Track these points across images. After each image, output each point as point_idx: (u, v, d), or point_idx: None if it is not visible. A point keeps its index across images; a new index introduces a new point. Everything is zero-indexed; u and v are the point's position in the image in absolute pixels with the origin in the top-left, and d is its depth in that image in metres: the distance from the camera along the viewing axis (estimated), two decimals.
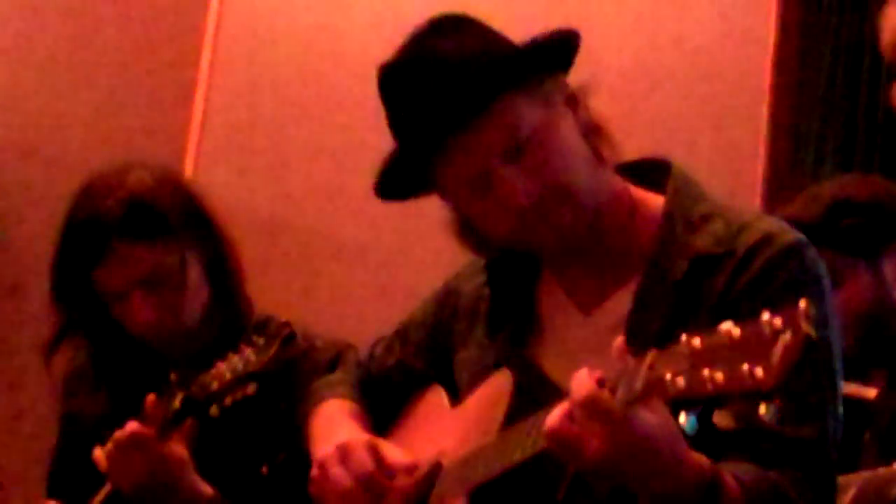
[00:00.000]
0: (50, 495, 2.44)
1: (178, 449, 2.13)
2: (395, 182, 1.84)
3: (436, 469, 1.81)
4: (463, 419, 1.84)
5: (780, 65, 3.81)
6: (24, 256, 3.71)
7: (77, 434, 2.39)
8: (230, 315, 2.30)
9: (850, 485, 2.23)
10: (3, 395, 3.68)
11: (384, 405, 2.03)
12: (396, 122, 1.78)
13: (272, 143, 3.79)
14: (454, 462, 1.78)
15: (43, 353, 2.36)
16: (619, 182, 1.80)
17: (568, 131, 1.74)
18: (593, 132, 1.78)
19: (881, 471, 2.33)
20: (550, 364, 1.78)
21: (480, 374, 1.82)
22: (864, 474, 2.30)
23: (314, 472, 1.84)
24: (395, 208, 3.69)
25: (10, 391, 3.68)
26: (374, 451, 1.81)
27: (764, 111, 3.58)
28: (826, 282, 1.73)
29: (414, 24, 1.80)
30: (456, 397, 1.91)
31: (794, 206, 2.57)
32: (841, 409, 1.68)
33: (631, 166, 1.85)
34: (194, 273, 2.28)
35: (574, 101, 1.77)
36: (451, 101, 1.69)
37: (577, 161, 1.73)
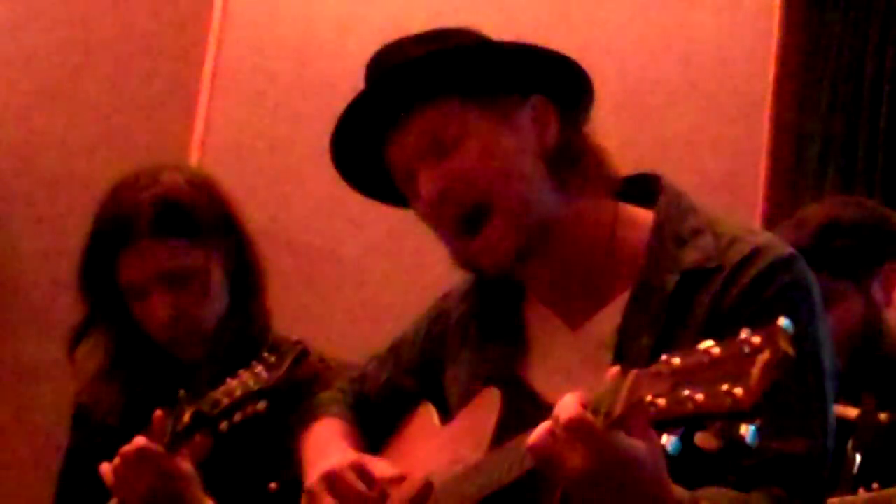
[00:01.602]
0: (59, 496, 2.46)
1: (185, 465, 2.13)
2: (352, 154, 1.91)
3: (427, 489, 1.82)
4: (452, 437, 1.85)
5: (783, 69, 3.80)
6: (25, 268, 3.72)
7: (87, 436, 2.41)
8: (246, 327, 2.31)
9: None
10: (4, 394, 3.70)
11: (377, 423, 2.04)
12: (361, 96, 1.83)
13: (271, 157, 3.80)
14: (445, 481, 1.78)
15: (68, 343, 2.38)
16: (596, 209, 1.79)
17: (509, 143, 1.75)
18: (563, 158, 1.77)
19: (883, 492, 2.32)
20: (539, 381, 1.79)
21: (469, 393, 1.83)
22: (865, 496, 2.29)
23: (303, 501, 1.85)
24: (393, 223, 3.73)
25: (11, 393, 3.70)
26: (361, 470, 1.83)
27: (766, 115, 3.57)
28: (816, 295, 1.71)
29: (417, 30, 1.83)
30: (447, 415, 1.92)
31: (782, 230, 2.58)
32: (832, 424, 1.67)
33: (625, 182, 1.84)
34: (216, 279, 2.29)
35: (543, 123, 1.77)
36: (386, 98, 1.77)
37: (508, 166, 1.73)
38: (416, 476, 1.85)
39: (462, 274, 1.98)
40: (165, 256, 2.23)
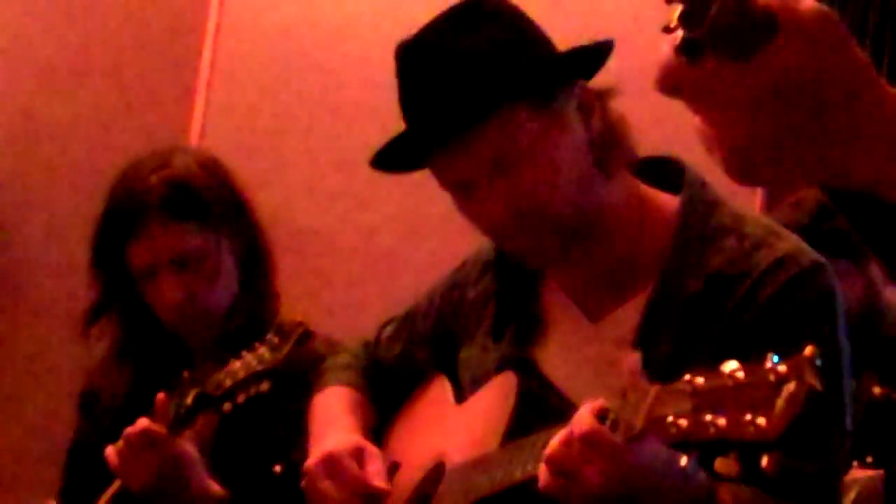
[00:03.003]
0: (66, 480, 2.46)
1: (189, 447, 2.12)
2: (395, 157, 1.80)
3: (438, 471, 1.82)
4: (466, 420, 1.84)
5: None
6: (26, 257, 3.70)
7: (93, 422, 2.40)
8: (256, 309, 2.29)
9: (853, 486, 2.24)
10: (4, 392, 3.68)
11: (390, 391, 2.03)
12: (405, 106, 1.75)
13: (272, 144, 3.77)
14: (456, 469, 1.78)
15: (81, 323, 2.36)
16: (627, 187, 1.75)
17: (566, 146, 1.69)
18: (606, 141, 1.72)
19: (876, 473, 2.34)
20: (555, 370, 1.77)
21: (482, 377, 1.82)
22: (865, 476, 2.31)
23: (303, 482, 1.85)
24: (395, 210, 3.70)
25: (12, 389, 3.68)
26: (361, 457, 1.83)
27: None
28: (840, 306, 1.69)
29: (414, 24, 1.78)
30: (460, 390, 1.90)
31: (780, 212, 2.56)
32: (849, 439, 1.66)
33: (643, 163, 1.80)
34: (226, 261, 2.28)
35: (588, 108, 1.72)
36: (454, 105, 1.66)
37: (568, 180, 1.68)
38: (428, 455, 1.85)
39: (465, 257, 1.98)
40: (176, 239, 2.21)
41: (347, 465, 1.82)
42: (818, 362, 1.22)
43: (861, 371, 2.55)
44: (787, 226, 2.42)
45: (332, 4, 3.82)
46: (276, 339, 2.05)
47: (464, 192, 1.71)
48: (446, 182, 1.73)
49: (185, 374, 2.11)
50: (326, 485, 1.81)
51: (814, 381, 1.21)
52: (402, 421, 2.01)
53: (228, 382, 2.04)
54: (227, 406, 2.04)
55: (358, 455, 1.84)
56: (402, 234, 3.66)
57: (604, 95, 1.75)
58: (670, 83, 0.92)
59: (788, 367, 1.22)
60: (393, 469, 1.90)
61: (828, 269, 1.70)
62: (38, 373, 3.57)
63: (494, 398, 1.77)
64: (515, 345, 1.81)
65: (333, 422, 1.96)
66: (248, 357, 2.05)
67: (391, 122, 4.13)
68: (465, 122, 1.66)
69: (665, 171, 1.80)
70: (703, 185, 1.77)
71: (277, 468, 2.16)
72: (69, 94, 3.74)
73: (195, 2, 3.82)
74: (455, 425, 1.86)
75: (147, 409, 2.11)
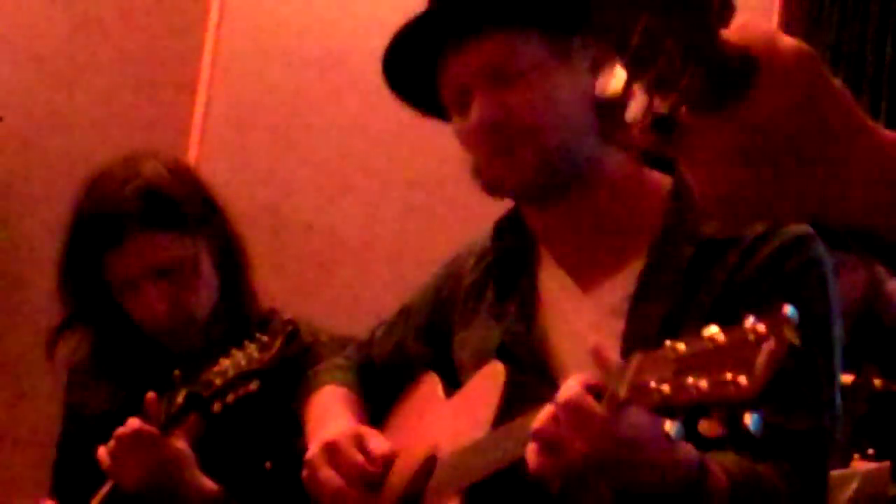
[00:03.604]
0: (55, 488, 2.45)
1: (181, 445, 2.13)
2: (403, 62, 1.84)
3: (430, 462, 1.83)
4: (455, 411, 1.86)
5: None
6: (27, 251, 3.71)
7: (80, 427, 2.39)
8: (237, 308, 2.30)
9: (851, 479, 2.24)
10: (6, 389, 3.68)
11: (382, 390, 2.04)
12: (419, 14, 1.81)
13: (274, 138, 3.79)
14: (447, 458, 1.79)
15: (46, 342, 2.35)
16: (626, 161, 1.79)
17: (566, 87, 1.74)
18: (612, 108, 1.75)
19: (882, 465, 2.34)
20: (551, 345, 1.79)
21: (483, 354, 1.83)
22: (864, 469, 2.31)
23: (304, 472, 1.85)
24: (397, 204, 3.72)
25: (13, 384, 3.68)
26: (360, 442, 1.84)
27: None
28: (831, 275, 1.72)
29: (416, 8, 1.81)
30: (453, 380, 1.91)
31: None
32: (839, 402, 1.68)
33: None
34: (206, 265, 2.28)
35: (598, 68, 1.76)
36: (459, 13, 1.73)
37: (560, 116, 1.72)
38: (419, 449, 1.86)
39: (469, 241, 2.00)
40: (157, 250, 2.21)
41: (348, 452, 1.83)
42: (796, 319, 1.22)
43: (861, 364, 2.57)
44: None
45: (332, 3, 3.85)
46: (265, 338, 2.06)
47: (461, 108, 1.76)
48: (449, 91, 1.78)
49: (177, 372, 2.11)
50: (328, 472, 1.82)
51: (793, 337, 1.21)
52: (393, 418, 2.02)
53: (218, 382, 2.04)
54: (216, 406, 2.05)
55: (357, 440, 1.85)
56: (404, 231, 3.67)
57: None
58: (651, 150, 0.92)
59: (767, 326, 1.23)
60: (386, 465, 1.90)
61: (817, 239, 1.73)
62: (38, 371, 3.56)
63: (482, 387, 1.78)
64: (513, 324, 1.83)
65: (330, 415, 1.97)
66: (238, 356, 2.05)
67: (392, 120, 4.16)
68: (482, 18, 1.72)
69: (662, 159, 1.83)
70: None
71: (268, 464, 2.16)
72: (71, 92, 3.77)
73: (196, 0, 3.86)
74: (445, 418, 1.88)
75: (134, 413, 2.11)
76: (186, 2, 3.87)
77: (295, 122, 3.80)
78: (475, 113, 1.73)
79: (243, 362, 2.04)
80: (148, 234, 2.20)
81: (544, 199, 1.77)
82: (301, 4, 3.86)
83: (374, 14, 3.76)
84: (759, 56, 0.87)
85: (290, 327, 2.07)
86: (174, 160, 2.37)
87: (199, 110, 3.81)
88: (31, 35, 3.78)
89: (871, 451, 2.40)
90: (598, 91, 1.74)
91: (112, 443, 2.09)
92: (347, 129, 3.75)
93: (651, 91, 0.86)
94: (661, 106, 0.87)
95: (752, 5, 3.79)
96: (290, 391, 2.12)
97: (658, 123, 0.86)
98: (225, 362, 2.06)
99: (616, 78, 0.88)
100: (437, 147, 3.81)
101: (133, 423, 2.08)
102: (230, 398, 2.04)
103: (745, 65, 0.86)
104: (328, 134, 3.79)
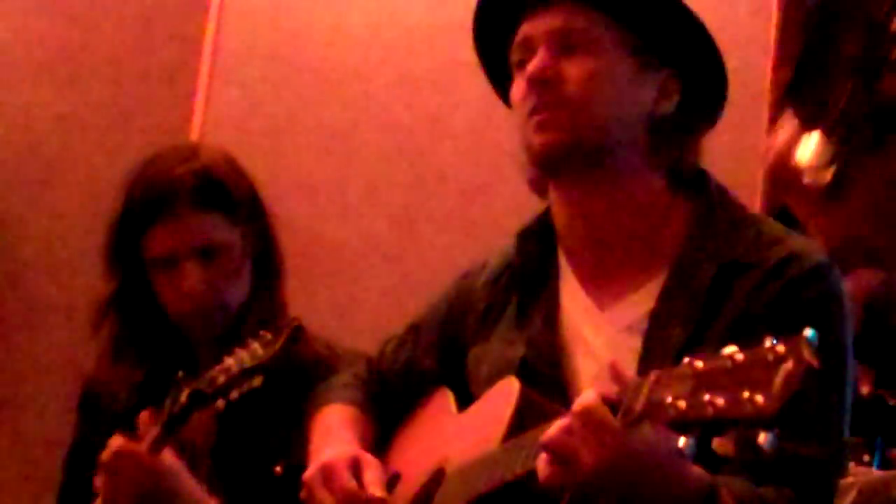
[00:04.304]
0: (64, 483, 2.44)
1: (169, 460, 2.10)
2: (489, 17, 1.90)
3: (438, 476, 1.82)
4: (467, 426, 1.85)
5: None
6: (26, 255, 3.70)
7: (95, 416, 2.39)
8: (265, 312, 2.28)
9: (851, 487, 2.25)
10: (5, 390, 3.67)
11: (393, 406, 2.04)
12: None
13: (271, 143, 3.79)
14: (456, 471, 1.78)
15: (94, 318, 2.35)
16: (656, 182, 1.82)
17: (625, 87, 1.79)
18: (667, 131, 1.81)
19: (882, 473, 2.35)
20: (570, 360, 1.80)
21: (505, 367, 1.82)
22: (864, 477, 2.32)
23: (302, 493, 1.85)
24: (394, 209, 3.72)
25: (11, 389, 3.67)
26: (357, 468, 1.83)
27: (764, 113, 3.58)
28: (847, 305, 1.74)
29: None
30: (465, 396, 1.91)
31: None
32: (847, 430, 1.69)
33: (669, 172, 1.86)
34: (245, 260, 2.29)
35: (665, 95, 1.81)
36: None
37: (604, 101, 1.77)
38: (429, 462, 1.85)
39: (464, 257, 2.02)
40: (204, 229, 2.22)
41: (343, 475, 1.82)
42: (816, 343, 1.24)
43: (864, 360, 2.61)
44: None
45: (331, 5, 3.85)
46: (269, 335, 2.05)
47: (522, 61, 1.81)
48: (516, 50, 1.83)
49: (180, 373, 2.11)
50: (323, 494, 1.82)
51: (812, 359, 1.23)
52: (404, 433, 2.01)
53: (221, 379, 2.03)
54: (220, 403, 2.03)
55: (355, 465, 1.84)
56: (402, 235, 3.67)
57: (698, 111, 1.84)
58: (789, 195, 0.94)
59: (787, 347, 1.24)
60: (394, 479, 1.90)
61: (836, 268, 1.75)
62: (37, 373, 3.55)
63: (495, 404, 1.77)
64: (541, 333, 1.83)
65: (332, 435, 1.97)
66: (242, 353, 2.04)
67: (391, 123, 4.14)
68: None
69: (688, 179, 1.85)
70: (724, 189, 1.85)
71: (278, 469, 2.16)
72: (69, 94, 3.75)
73: (195, 2, 3.85)
74: (456, 433, 1.87)
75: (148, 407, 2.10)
76: (185, 8, 3.86)
77: (292, 128, 3.80)
78: (531, 65, 1.78)
79: (246, 359, 2.03)
80: (198, 213, 2.22)
81: (561, 167, 1.79)
82: (299, 12, 3.86)
83: (372, 21, 3.76)
84: None
85: (294, 324, 2.06)
86: (231, 155, 2.38)
87: (197, 117, 3.80)
88: (28, 41, 3.76)
89: (866, 457, 2.43)
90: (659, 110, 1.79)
91: (101, 466, 2.08)
92: (344, 136, 3.75)
93: (829, 137, 0.89)
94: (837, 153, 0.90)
95: (751, 10, 3.80)
96: (300, 400, 2.11)
97: (833, 187, 0.90)
98: (228, 360, 2.04)
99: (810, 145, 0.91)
100: (435, 156, 3.82)
101: (115, 442, 2.07)
102: (234, 394, 2.02)
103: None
104: (325, 140, 3.79)
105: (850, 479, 2.21)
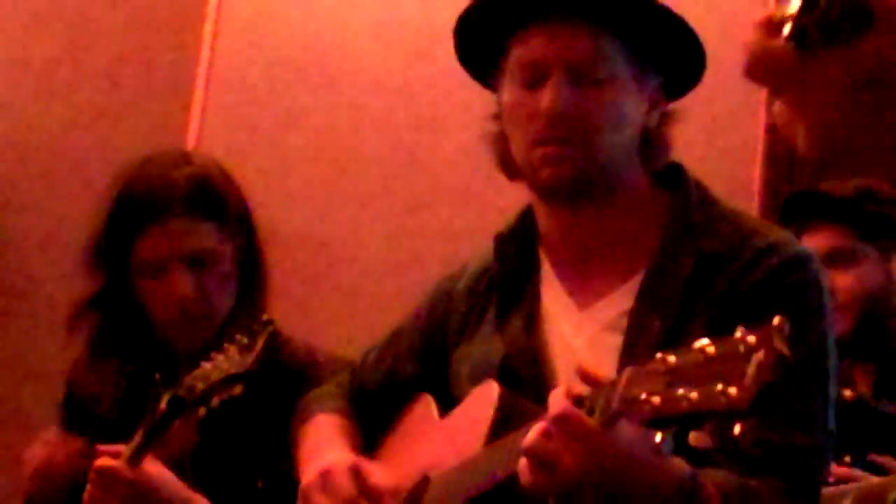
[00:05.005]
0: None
1: (152, 469, 2.08)
2: (474, 31, 1.87)
3: (423, 484, 1.81)
4: (449, 432, 1.85)
5: None
6: (23, 259, 3.71)
7: (78, 427, 2.36)
8: (246, 322, 2.29)
9: (846, 494, 2.23)
10: (5, 391, 3.68)
11: (375, 415, 2.03)
12: None
13: (268, 147, 3.79)
14: (440, 477, 1.78)
15: (72, 316, 2.34)
16: (641, 178, 1.83)
17: (633, 111, 1.79)
18: (654, 138, 1.83)
19: (877, 480, 2.34)
20: (550, 360, 1.80)
21: (485, 367, 1.82)
22: (858, 484, 2.30)
23: (299, 501, 1.84)
24: (392, 216, 3.72)
25: (7, 392, 3.68)
26: (357, 475, 1.81)
27: (762, 113, 3.56)
28: (827, 295, 1.74)
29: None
30: (448, 400, 1.91)
31: (826, 183, 2.67)
32: (832, 419, 1.68)
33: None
34: (232, 269, 2.27)
35: (654, 104, 1.82)
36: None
37: (617, 131, 1.77)
38: (413, 470, 1.84)
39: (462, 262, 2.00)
40: (195, 236, 2.20)
41: (343, 482, 1.80)
42: (787, 330, 1.22)
43: (860, 358, 2.60)
44: (831, 192, 2.63)
45: (329, 12, 3.85)
46: (245, 340, 2.02)
47: (530, 81, 1.78)
48: (522, 61, 1.79)
49: (157, 376, 2.10)
50: (321, 500, 1.80)
51: (783, 348, 1.22)
52: (388, 442, 2.00)
53: (201, 386, 2.01)
54: (202, 410, 2.01)
55: (354, 472, 1.82)
56: (399, 240, 3.67)
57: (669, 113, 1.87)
58: (761, 68, 0.98)
59: (757, 337, 1.23)
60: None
61: (817, 261, 1.76)
62: (33, 377, 3.56)
63: (476, 409, 1.77)
64: (521, 333, 1.83)
65: (326, 444, 1.95)
66: (219, 359, 2.02)
67: (388, 130, 4.13)
68: (580, 5, 1.75)
69: (664, 175, 1.86)
70: (700, 184, 1.85)
71: (260, 483, 2.14)
72: (67, 97, 3.77)
73: (193, 4, 3.86)
74: (438, 439, 1.87)
75: (129, 413, 2.09)
76: (182, 11, 3.88)
77: (290, 131, 3.81)
78: (550, 98, 1.75)
79: (225, 365, 2.00)
80: (190, 219, 2.20)
81: (571, 198, 1.79)
82: (298, 13, 3.87)
83: (372, 21, 3.77)
84: (874, 6, 0.93)
85: (269, 329, 2.03)
86: (222, 166, 2.36)
87: (194, 120, 3.81)
88: (26, 44, 3.78)
89: (847, 458, 2.41)
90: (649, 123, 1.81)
91: (89, 482, 2.06)
92: (342, 141, 3.75)
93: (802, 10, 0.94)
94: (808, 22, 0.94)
95: (748, 9, 3.78)
96: (282, 410, 2.09)
97: (798, 33, 0.93)
98: (207, 366, 2.02)
99: None
100: (431, 160, 3.82)
101: (99, 461, 2.05)
102: (214, 402, 2.00)
103: (863, 8, 0.93)
104: (323, 143, 3.79)
105: (844, 486, 2.19)
